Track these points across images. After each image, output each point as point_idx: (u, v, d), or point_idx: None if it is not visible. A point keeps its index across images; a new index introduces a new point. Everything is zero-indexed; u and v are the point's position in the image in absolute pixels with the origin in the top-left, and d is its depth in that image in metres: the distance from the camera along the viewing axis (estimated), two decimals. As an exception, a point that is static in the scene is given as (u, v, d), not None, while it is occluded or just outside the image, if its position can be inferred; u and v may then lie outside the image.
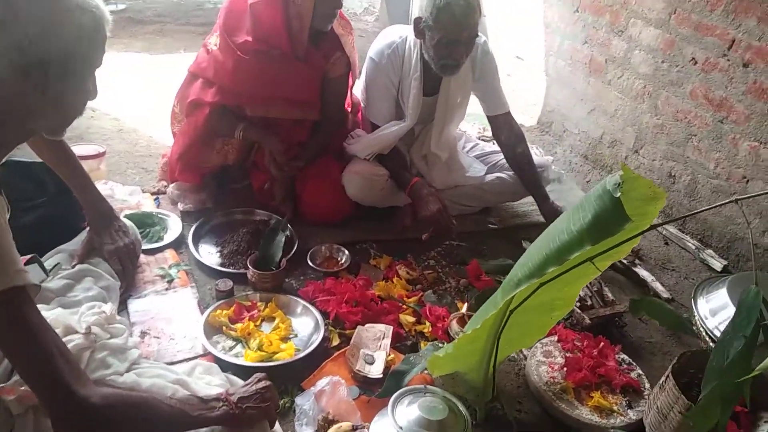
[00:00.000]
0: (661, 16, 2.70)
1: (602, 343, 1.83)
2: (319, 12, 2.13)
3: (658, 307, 1.40)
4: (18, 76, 1.07)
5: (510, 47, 3.77)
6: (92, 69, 1.19)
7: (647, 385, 1.74)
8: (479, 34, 2.21)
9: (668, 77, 2.71)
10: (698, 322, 1.95)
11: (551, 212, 2.35)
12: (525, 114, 3.68)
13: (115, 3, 4.54)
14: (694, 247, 2.56)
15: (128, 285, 1.87)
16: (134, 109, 3.06)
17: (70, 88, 1.14)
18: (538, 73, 3.54)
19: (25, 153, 1.76)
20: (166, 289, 1.92)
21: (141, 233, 2.02)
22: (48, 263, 1.66)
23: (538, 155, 2.98)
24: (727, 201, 1.22)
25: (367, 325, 1.82)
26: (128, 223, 1.90)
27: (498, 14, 3.85)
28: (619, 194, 1.08)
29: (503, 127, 2.44)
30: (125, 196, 2.31)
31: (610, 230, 1.10)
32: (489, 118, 2.47)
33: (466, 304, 1.97)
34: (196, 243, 2.14)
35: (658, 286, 2.23)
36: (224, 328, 1.77)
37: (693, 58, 2.58)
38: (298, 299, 1.91)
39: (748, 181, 2.42)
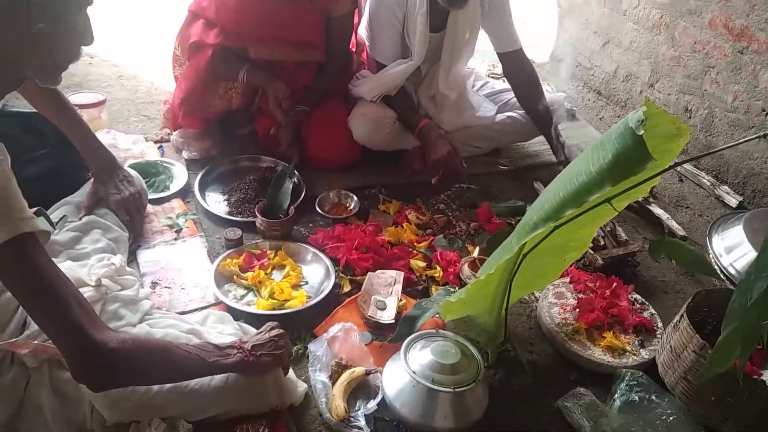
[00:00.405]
0: (681, -60, 2.56)
1: (615, 284, 1.82)
2: None
3: (678, 248, 1.38)
4: None
5: None
6: (81, 7, 1.11)
7: (660, 324, 1.74)
8: None
9: (686, 6, 2.59)
10: (713, 260, 1.93)
11: (563, 152, 2.31)
12: (536, 48, 3.57)
13: (107, -58, 4.36)
14: (709, 184, 2.51)
15: (136, 235, 1.87)
16: (134, 54, 2.98)
17: (57, 26, 1.07)
18: (549, 4, 3.41)
19: (22, 104, 1.73)
20: (175, 239, 1.91)
21: (146, 183, 2.00)
22: (54, 216, 1.64)
23: (550, 92, 2.87)
24: (756, 136, 1.17)
25: (378, 271, 1.81)
26: (133, 173, 1.87)
27: None
28: (642, 132, 1.03)
29: (514, 65, 2.38)
30: (128, 145, 2.28)
31: (632, 170, 1.06)
32: (499, 55, 2.40)
33: (477, 248, 1.96)
34: (202, 192, 2.12)
35: (673, 224, 2.20)
36: (235, 277, 1.77)
37: (713, -15, 2.46)
38: (308, 246, 1.90)
39: (767, 114, 2.34)
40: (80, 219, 1.67)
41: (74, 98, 2.30)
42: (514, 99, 2.47)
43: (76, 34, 1.12)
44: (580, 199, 1.12)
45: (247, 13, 2.11)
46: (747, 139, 1.16)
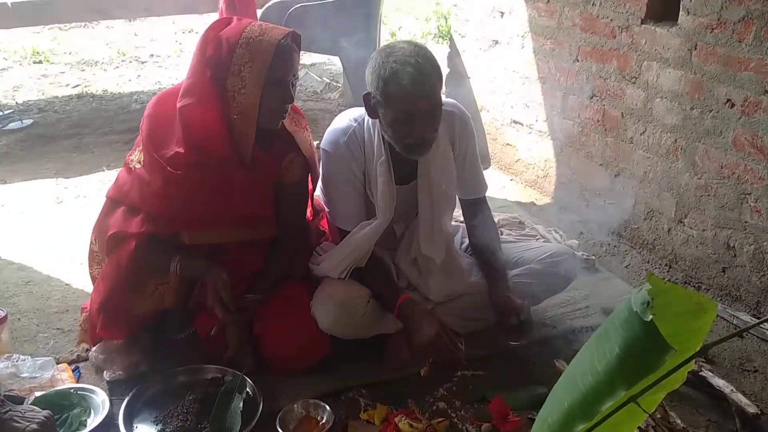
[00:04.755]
0: (680, 53, 2.77)
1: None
2: (266, 108, 2.15)
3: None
4: None
5: (505, 111, 3.85)
6: None
7: None
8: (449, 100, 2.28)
9: (702, 126, 2.74)
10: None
11: (505, 305, 2.29)
12: (535, 188, 3.72)
13: (20, 119, 4.63)
14: (776, 337, 2.47)
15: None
16: (46, 253, 3.04)
17: None
18: (544, 138, 3.60)
19: None
20: (91, 498, 1.80)
21: (57, 421, 1.92)
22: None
23: (559, 240, 2.99)
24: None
25: None
26: (37, 411, 1.80)
27: (484, 74, 3.97)
28: (650, 317, 1.00)
29: (476, 211, 2.51)
30: (34, 371, 2.22)
31: (648, 366, 1.01)
32: (462, 201, 2.53)
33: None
34: (128, 424, 2.04)
35: (740, 399, 2.12)
36: None
37: (729, 100, 2.62)
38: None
39: (827, 243, 2.37)
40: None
41: (-34, 319, 2.28)
42: (521, 254, 2.51)
43: None
44: (591, 410, 1.06)
45: (178, 194, 2.17)
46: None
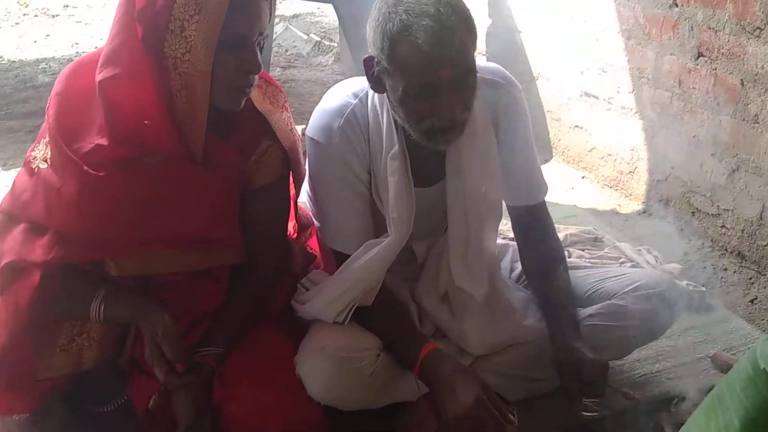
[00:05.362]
0: (826, -7, 2.70)
1: None
2: (222, 81, 2.04)
3: None
4: None
5: (572, 79, 3.78)
6: None
7: None
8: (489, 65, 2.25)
9: None
10: None
11: (570, 361, 2.18)
12: (618, 189, 3.65)
13: None
14: None
15: None
16: None
17: None
18: (628, 117, 3.46)
19: None
20: None
21: None
22: None
23: (653, 264, 2.90)
24: None
25: None
26: None
27: (541, 26, 3.91)
28: None
29: (532, 224, 2.44)
30: None
31: None
32: (512, 209, 2.47)
33: None
34: None
35: None
36: None
37: None
38: None
39: None
40: None
41: None
42: (599, 283, 2.44)
43: None
44: None
45: (101, 204, 2.05)
46: None
